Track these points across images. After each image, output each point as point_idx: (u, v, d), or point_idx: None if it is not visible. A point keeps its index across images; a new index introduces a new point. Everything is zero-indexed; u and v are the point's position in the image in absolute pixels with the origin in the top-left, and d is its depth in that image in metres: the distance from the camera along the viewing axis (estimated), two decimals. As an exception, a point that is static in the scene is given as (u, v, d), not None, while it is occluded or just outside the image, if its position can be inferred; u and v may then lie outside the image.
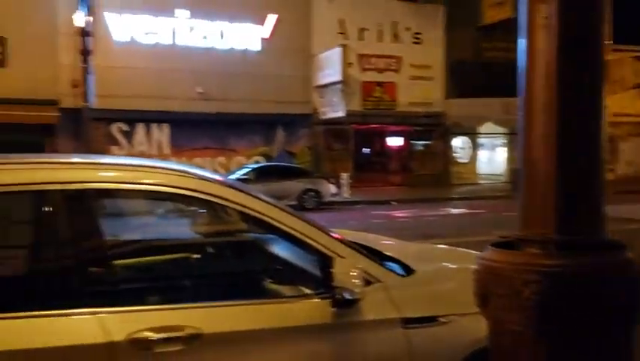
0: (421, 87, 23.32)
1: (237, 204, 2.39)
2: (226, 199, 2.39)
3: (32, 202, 2.19)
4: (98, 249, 2.23)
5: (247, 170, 17.04)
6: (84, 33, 15.79)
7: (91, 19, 16.59)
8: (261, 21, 20.51)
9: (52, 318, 1.99)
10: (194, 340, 2.07)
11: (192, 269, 2.96)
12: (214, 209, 2.98)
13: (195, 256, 3.13)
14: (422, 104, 23.39)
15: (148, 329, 2.02)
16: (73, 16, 16.57)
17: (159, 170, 2.41)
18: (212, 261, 3.10)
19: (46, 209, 2.18)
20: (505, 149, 25.96)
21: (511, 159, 25.19)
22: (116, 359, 1.98)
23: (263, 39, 20.66)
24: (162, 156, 19.47)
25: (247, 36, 20.46)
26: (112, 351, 1.97)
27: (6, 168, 2.19)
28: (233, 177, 16.25)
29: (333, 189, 16.82)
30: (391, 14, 22.84)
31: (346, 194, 18.61)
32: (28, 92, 17.04)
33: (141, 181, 2.33)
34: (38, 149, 17.64)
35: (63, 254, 2.14)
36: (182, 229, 3.43)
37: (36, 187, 2.13)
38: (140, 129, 19.71)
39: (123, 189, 2.37)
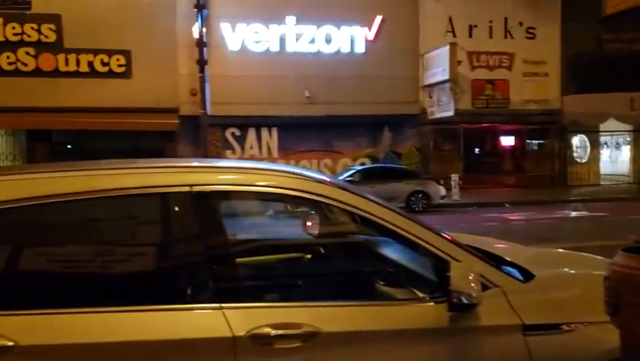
0: (535, 84, 22.22)
1: (350, 205, 2.42)
2: (339, 201, 2.43)
3: (160, 203, 2.35)
4: (221, 247, 2.35)
5: (352, 171, 17.14)
6: (201, 44, 16.66)
7: (206, 30, 17.49)
8: (367, 23, 20.58)
9: (180, 312, 2.13)
10: (312, 338, 2.12)
11: (306, 269, 3.04)
12: (325, 210, 3.04)
13: (309, 256, 3.21)
14: (537, 101, 22.29)
15: (268, 325, 2.11)
16: (192, 28, 17.57)
17: (273, 172, 2.49)
18: (325, 261, 3.17)
19: (173, 210, 2.33)
20: (630, 147, 24.02)
21: (636, 158, 23.30)
22: (238, 352, 2.08)
23: (368, 41, 20.71)
24: (271, 159, 20.12)
25: (353, 39, 20.60)
26: (234, 345, 2.07)
27: (136, 172, 2.38)
28: (338, 179, 16.45)
29: (442, 190, 16.45)
30: (502, 9, 21.97)
31: (456, 196, 18.13)
32: (150, 101, 18.33)
33: (256, 183, 2.43)
34: (159, 154, 18.97)
35: (190, 252, 2.29)
36: (295, 229, 3.54)
37: (163, 190, 2.29)
38: (251, 134, 20.49)
39: (240, 191, 2.48)
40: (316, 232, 3.41)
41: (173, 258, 2.34)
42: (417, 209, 15.69)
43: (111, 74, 18.32)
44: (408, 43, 21.04)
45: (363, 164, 20.31)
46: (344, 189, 2.52)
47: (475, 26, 21.85)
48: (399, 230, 2.38)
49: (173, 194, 2.28)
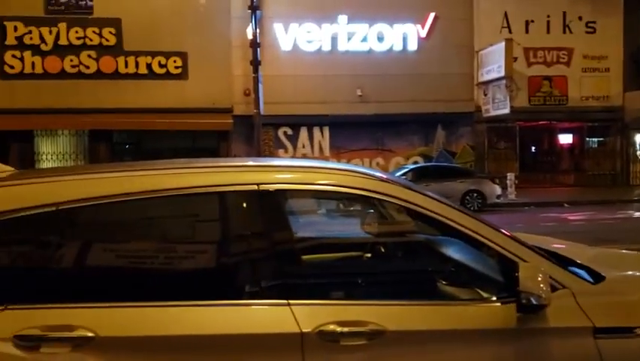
0: (595, 80, 21.46)
1: (414, 204, 2.42)
2: (402, 199, 2.42)
3: (229, 201, 2.41)
4: (287, 245, 2.39)
5: (406, 170, 16.99)
6: (254, 45, 16.89)
7: (259, 31, 17.72)
8: (420, 20, 20.38)
9: (249, 307, 2.19)
10: (377, 336, 2.14)
11: (369, 267, 3.06)
12: (384, 209, 3.04)
13: (370, 254, 3.23)
14: (597, 98, 21.52)
15: (334, 322, 2.13)
16: (246, 30, 17.84)
17: (337, 171, 2.51)
18: (387, 260, 3.18)
19: (242, 208, 2.39)
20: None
21: None
22: (306, 348, 2.11)
23: (421, 38, 20.50)
24: (322, 158, 20.18)
25: (405, 36, 20.44)
26: (302, 341, 2.11)
27: (208, 171, 2.45)
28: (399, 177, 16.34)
29: (498, 190, 16.10)
30: (560, 3, 21.31)
31: (512, 195, 17.72)
32: (206, 101, 18.75)
33: (319, 182, 2.46)
34: (214, 153, 19.39)
35: (258, 249, 2.35)
36: (354, 227, 3.56)
37: (233, 188, 2.35)
38: (303, 133, 20.62)
39: (305, 190, 2.52)
40: (375, 230, 3.42)
41: (242, 255, 2.40)
42: (472, 208, 15.40)
43: (168, 75, 18.84)
44: (462, 40, 20.71)
45: (416, 162, 20.13)
46: (407, 187, 2.52)
47: (532, 21, 21.28)
48: (465, 230, 2.36)
49: (241, 192, 2.34)
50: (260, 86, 17.25)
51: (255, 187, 2.32)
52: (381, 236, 3.34)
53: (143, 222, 2.44)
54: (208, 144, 19.74)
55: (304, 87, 19.69)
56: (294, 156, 20.33)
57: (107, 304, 2.09)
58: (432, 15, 20.39)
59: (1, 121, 17.03)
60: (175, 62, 18.83)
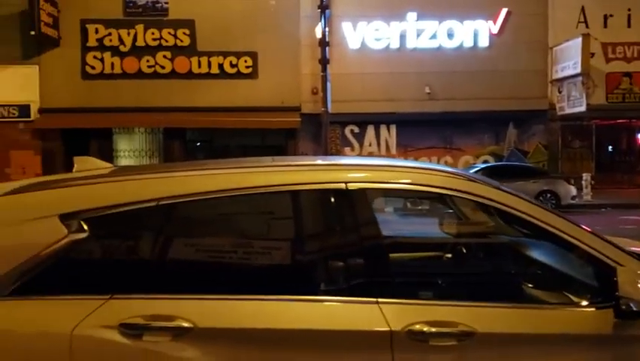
0: (680, 75, 20.24)
1: (503, 204, 2.39)
2: (489, 198, 2.41)
3: (318, 199, 2.47)
4: (375, 243, 2.41)
5: (476, 169, 16.64)
6: (323, 43, 17.00)
7: (328, 29, 17.82)
8: (491, 16, 19.87)
9: (339, 304, 2.23)
10: (467, 337, 2.13)
11: (454, 267, 3.04)
12: (463, 208, 3.01)
13: (453, 254, 3.21)
14: (682, 94, 20.30)
15: (424, 322, 2.14)
16: (315, 29, 17.99)
17: (423, 170, 2.53)
18: (470, 260, 3.15)
19: (331, 205, 2.45)
20: None
21: None
22: (395, 347, 2.13)
23: (493, 34, 20.00)
24: (389, 156, 20.06)
25: (476, 33, 19.99)
26: (391, 339, 2.13)
27: (300, 169, 2.52)
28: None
29: (572, 190, 15.51)
30: (643, -5, 20.23)
31: (588, 196, 17.02)
32: (275, 100, 19.04)
33: (388, 180, 2.48)
34: (282, 150, 19.68)
35: (348, 247, 2.39)
36: (431, 227, 3.54)
37: (322, 186, 2.40)
38: (369, 131, 20.57)
39: (392, 188, 2.55)
40: (455, 230, 3.40)
41: (332, 252, 2.45)
42: (544, 210, 14.95)
43: (239, 75, 19.26)
44: (536, 35, 20.03)
45: (485, 161, 19.68)
46: (494, 186, 2.50)
47: (611, 16, 20.29)
48: (558, 232, 2.32)
49: (330, 190, 2.39)
50: (328, 84, 17.35)
51: (343, 185, 2.37)
52: (462, 236, 3.32)
53: (238, 218, 2.54)
54: (276, 141, 20.05)
55: (372, 85, 19.63)
56: (360, 154, 20.34)
57: (205, 296, 2.18)
58: (504, 10, 19.83)
59: (82, 119, 17.94)
60: (246, 61, 19.22)
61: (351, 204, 2.37)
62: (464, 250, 3.23)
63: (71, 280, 2.16)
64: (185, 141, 20.23)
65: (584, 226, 2.39)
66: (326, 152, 17.61)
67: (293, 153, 19.84)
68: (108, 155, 19.47)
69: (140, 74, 18.96)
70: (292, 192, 2.42)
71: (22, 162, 18.03)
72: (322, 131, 17.67)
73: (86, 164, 2.79)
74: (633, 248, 3.20)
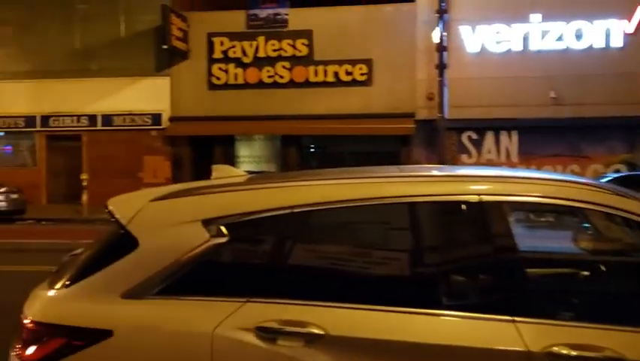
0: None
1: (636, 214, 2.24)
2: (631, 212, 2.26)
3: (451, 211, 2.43)
4: (511, 259, 2.31)
5: (607, 179, 15.46)
6: (440, 48, 16.74)
7: (446, 34, 17.50)
8: (626, 15, 18.45)
9: (474, 321, 2.16)
10: None
11: (595, 286, 2.85)
12: (598, 223, 2.81)
13: (591, 272, 3.01)
14: None
15: (565, 344, 2.02)
16: (432, 34, 17.76)
17: (557, 182, 2.42)
18: (611, 280, 2.94)
19: (465, 217, 2.40)
20: None
21: None
22: None
23: (627, 34, 18.56)
24: (509, 164, 19.27)
25: (608, 33, 18.67)
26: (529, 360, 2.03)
27: (435, 180, 2.50)
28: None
29: None
30: None
31: None
32: (389, 107, 19.01)
33: (522, 193, 2.37)
34: (395, 157, 19.58)
35: (484, 261, 2.32)
36: (566, 242, 3.34)
37: (456, 198, 2.37)
38: (488, 137, 19.86)
39: (524, 202, 2.43)
40: (592, 246, 3.19)
41: (466, 265, 2.39)
42: (687, 225, 13.57)
43: (354, 82, 19.46)
44: (678, 33, 18.33)
45: (617, 171, 18.22)
46: (628, 196, 2.33)
47: None
48: None
49: (464, 202, 2.35)
50: (445, 89, 17.05)
51: (477, 198, 2.31)
52: (599, 253, 3.11)
53: (371, 228, 2.56)
54: (389, 148, 19.98)
55: (491, 90, 18.97)
56: (478, 162, 19.71)
57: (337, 305, 2.20)
58: (641, 8, 18.36)
59: (207, 127, 19.07)
60: (361, 69, 19.38)
61: (485, 217, 2.31)
62: (603, 268, 3.01)
63: (211, 283, 2.29)
64: (301, 147, 20.78)
65: None
66: (441, 159, 17.25)
67: (406, 160, 19.66)
68: (230, 160, 20.48)
69: (260, 84, 19.78)
70: (427, 203, 2.41)
71: (153, 166, 19.49)
72: (437, 137, 17.34)
73: (223, 172, 2.95)
74: None
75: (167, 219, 2.35)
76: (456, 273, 2.40)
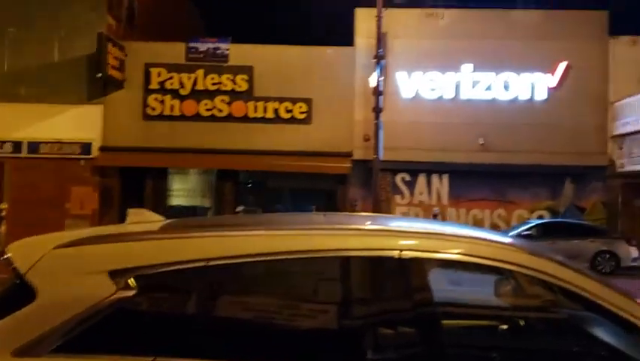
0: None
1: (553, 277, 2.31)
2: (547, 273, 2.33)
3: (372, 266, 2.42)
4: (427, 312, 2.32)
5: (530, 225, 16.19)
6: (377, 92, 17.16)
7: (382, 78, 17.99)
8: (549, 69, 19.63)
9: None
10: None
11: (512, 341, 2.88)
12: (524, 281, 2.87)
13: (513, 326, 3.05)
14: None
15: None
16: (369, 78, 18.22)
17: (463, 239, 2.45)
18: (530, 334, 2.98)
19: (384, 273, 2.38)
20: None
21: None
22: None
23: (550, 88, 19.71)
24: (440, 206, 19.79)
25: (533, 86, 19.77)
26: None
27: (355, 233, 2.48)
28: (514, 232, 15.61)
29: (634, 252, 14.80)
30: None
31: (650, 259, 16.21)
32: (327, 145, 19.21)
33: (443, 250, 2.40)
34: (332, 195, 19.75)
35: (399, 317, 2.32)
36: (497, 297, 3.39)
37: (376, 253, 2.35)
38: (421, 180, 20.38)
39: (438, 258, 2.45)
40: (513, 301, 3.25)
41: (389, 320, 2.37)
42: (603, 271, 14.29)
43: (293, 120, 19.59)
44: (595, 90, 19.62)
45: (541, 217, 19.11)
46: (559, 263, 2.40)
47: (677, 71, 19.69)
48: (607, 304, 2.20)
49: (383, 258, 2.34)
50: (380, 132, 17.40)
51: (398, 253, 2.31)
52: (520, 308, 3.18)
53: (287, 280, 2.50)
54: (326, 186, 20.16)
55: (424, 134, 19.58)
56: (410, 203, 20.16)
57: None
58: (563, 64, 19.57)
59: (140, 158, 18.58)
60: (300, 107, 19.56)
61: (405, 272, 2.32)
62: (522, 323, 3.06)
63: (116, 340, 2.15)
64: (237, 182, 20.59)
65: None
66: (376, 199, 17.50)
67: (342, 198, 19.86)
68: (162, 194, 20.02)
69: (197, 117, 19.56)
70: (344, 258, 2.38)
71: (81, 197, 18.70)
72: (373, 178, 17.61)
73: (139, 216, 2.82)
74: None
75: (71, 268, 2.21)
76: (378, 328, 2.37)
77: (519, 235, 15.05)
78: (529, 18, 19.83)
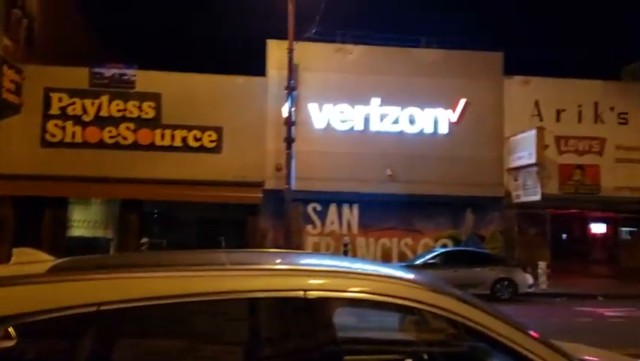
0: (629, 170, 21.22)
1: (450, 312, 2.37)
2: (449, 311, 2.37)
3: (270, 307, 2.36)
4: (331, 350, 2.31)
5: (435, 254, 16.75)
6: (289, 123, 17.28)
7: (294, 109, 18.16)
8: (450, 105, 20.71)
9: None
10: None
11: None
12: (427, 317, 2.92)
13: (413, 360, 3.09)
14: (631, 188, 21.20)
15: None
16: (282, 108, 18.33)
17: (369, 277, 2.47)
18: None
19: (286, 314, 2.33)
20: None
21: None
22: None
23: (452, 123, 20.77)
24: (351, 235, 20.09)
25: (436, 120, 20.73)
26: None
27: (257, 274, 2.41)
28: (420, 260, 16.09)
29: (529, 279, 15.64)
30: (592, 94, 21.51)
31: (544, 285, 17.21)
32: (237, 175, 19.03)
33: (348, 289, 2.41)
34: (242, 225, 19.49)
35: (300, 357, 2.27)
36: (402, 332, 3.42)
37: (278, 294, 2.30)
38: (332, 209, 20.63)
39: (332, 297, 2.45)
40: (415, 336, 3.30)
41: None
42: (502, 297, 14.99)
43: (202, 148, 19.28)
44: (492, 125, 20.91)
45: (444, 245, 19.88)
46: (453, 296, 2.46)
47: (564, 110, 21.43)
48: (502, 338, 2.28)
49: (289, 298, 2.30)
50: (292, 162, 17.48)
51: (302, 293, 2.28)
52: (423, 343, 3.23)
53: (186, 323, 2.39)
54: (236, 216, 19.89)
55: (335, 165, 19.92)
56: (322, 233, 20.31)
57: None
58: (462, 101, 20.72)
59: (37, 187, 17.45)
60: (210, 136, 19.30)
61: (310, 312, 2.28)
62: (426, 357, 3.11)
63: None
64: (142, 213, 19.84)
65: (532, 333, 2.38)
66: (288, 229, 17.47)
67: (253, 228, 19.66)
68: (62, 225, 18.87)
69: (101, 144, 18.78)
70: (249, 300, 2.32)
71: (-31, 228, 17.27)
72: (284, 207, 17.60)
73: (26, 256, 2.59)
74: (587, 358, 3.15)
75: None
76: None
77: (425, 264, 15.52)
78: (431, 57, 20.90)
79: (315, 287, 2.32)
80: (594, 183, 21.19)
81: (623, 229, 22.04)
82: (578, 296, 16.34)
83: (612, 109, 21.49)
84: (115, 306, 2.12)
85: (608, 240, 22.37)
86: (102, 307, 2.10)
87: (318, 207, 20.49)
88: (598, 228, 22.47)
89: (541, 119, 20.93)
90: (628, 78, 22.97)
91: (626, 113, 21.51)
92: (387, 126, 20.53)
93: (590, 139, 21.30)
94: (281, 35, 18.39)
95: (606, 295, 16.49)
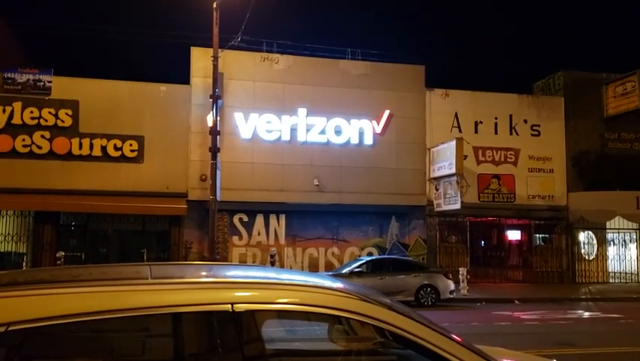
0: (541, 180, 22.51)
1: (379, 320, 2.39)
2: (378, 320, 2.38)
3: (199, 321, 2.28)
4: None
5: (361, 262, 16.93)
6: (214, 132, 17.01)
7: (219, 119, 17.91)
8: (375, 117, 21.14)
9: None
10: None
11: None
12: (356, 326, 2.94)
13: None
14: (543, 197, 22.47)
15: None
16: (206, 117, 18.02)
17: (297, 288, 2.45)
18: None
19: (216, 328, 2.26)
20: (636, 245, 23.87)
21: (645, 256, 23.11)
22: None
23: (376, 134, 21.18)
24: (278, 246, 19.99)
25: (361, 131, 21.07)
26: None
27: (183, 288, 2.32)
28: (347, 269, 16.24)
29: (451, 285, 16.12)
30: (507, 107, 22.65)
31: (464, 290, 17.81)
32: (160, 185, 18.54)
33: (277, 301, 2.38)
34: (165, 236, 18.94)
35: None
36: (330, 342, 3.41)
37: (207, 308, 2.22)
38: (258, 220, 20.48)
39: (260, 310, 2.41)
40: (345, 345, 3.30)
41: None
42: (426, 303, 15.37)
43: (123, 158, 18.63)
44: (415, 137, 21.52)
45: (370, 253, 20.20)
46: (382, 305, 2.47)
47: (481, 122, 22.39)
48: (429, 345, 2.32)
49: (216, 312, 2.22)
50: (217, 172, 17.20)
51: (229, 306, 2.21)
52: (351, 353, 3.23)
53: (109, 340, 2.26)
54: (159, 227, 19.34)
55: (262, 175, 19.82)
56: (248, 243, 20.10)
57: None
58: (386, 112, 21.21)
59: (-60, 198, 16.25)
60: (131, 145, 18.69)
61: (238, 326, 2.22)
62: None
63: None
64: (59, 224, 18.88)
65: (456, 338, 2.43)
66: (213, 240, 17.14)
67: (177, 240, 19.17)
68: (-33, 239, 17.63)
69: (13, 153, 17.78)
70: (174, 314, 2.21)
71: None
72: (209, 218, 17.27)
73: None
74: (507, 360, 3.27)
75: None
76: None
77: (351, 272, 15.66)
78: (357, 68, 21.29)
79: (243, 300, 2.26)
80: (510, 191, 22.26)
81: (537, 235, 23.24)
82: (496, 300, 17.02)
83: (526, 121, 22.71)
84: (26, 326, 1.97)
85: (522, 246, 23.50)
86: (11, 328, 1.94)
87: (245, 218, 20.28)
88: (514, 234, 23.54)
89: (460, 131, 21.77)
90: (539, 93, 24.38)
91: (539, 126, 22.80)
92: (314, 137, 20.66)
93: (506, 150, 22.39)
94: (205, 43, 18.14)
95: (522, 299, 17.27)
